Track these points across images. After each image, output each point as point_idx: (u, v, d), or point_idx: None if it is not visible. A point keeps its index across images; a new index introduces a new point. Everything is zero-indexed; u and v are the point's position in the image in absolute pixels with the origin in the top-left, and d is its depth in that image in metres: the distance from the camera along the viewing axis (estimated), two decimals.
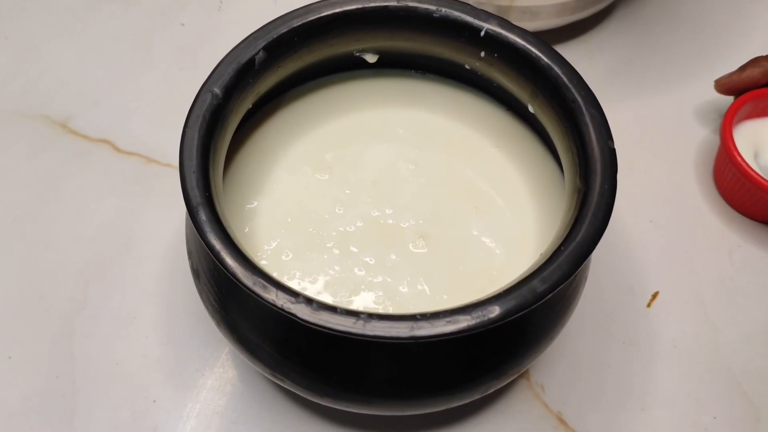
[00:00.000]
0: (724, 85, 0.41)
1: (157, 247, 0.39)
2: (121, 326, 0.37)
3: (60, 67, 0.46)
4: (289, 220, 0.32)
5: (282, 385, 0.29)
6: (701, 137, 0.43)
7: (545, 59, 0.30)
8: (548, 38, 0.47)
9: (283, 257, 0.31)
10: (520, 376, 0.35)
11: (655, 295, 0.38)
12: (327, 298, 0.30)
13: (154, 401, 0.34)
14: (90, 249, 0.39)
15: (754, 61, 0.40)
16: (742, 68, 0.40)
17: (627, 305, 0.38)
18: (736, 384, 0.35)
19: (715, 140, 0.43)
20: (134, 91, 0.45)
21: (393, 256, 0.31)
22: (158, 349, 0.36)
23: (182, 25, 0.49)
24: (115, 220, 0.40)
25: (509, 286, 0.25)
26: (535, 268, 0.25)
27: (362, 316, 0.24)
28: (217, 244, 0.25)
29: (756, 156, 0.40)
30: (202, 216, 0.26)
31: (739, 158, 0.38)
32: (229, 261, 0.25)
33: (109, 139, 0.43)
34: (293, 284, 0.30)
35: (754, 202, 0.39)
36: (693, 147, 0.43)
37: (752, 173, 0.38)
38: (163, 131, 0.43)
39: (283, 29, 0.31)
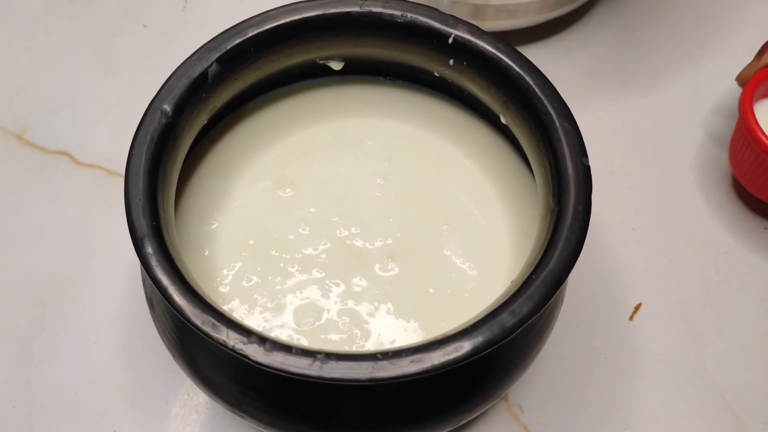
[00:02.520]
0: (746, 78, 0.38)
1: (118, 266, 0.37)
2: (81, 351, 0.35)
3: (15, 73, 0.44)
4: (251, 241, 0.30)
5: (243, 421, 0.27)
6: (687, 138, 0.42)
7: (516, 68, 0.28)
8: (527, 36, 0.45)
9: (244, 283, 0.29)
10: None
11: (637, 307, 0.36)
12: (290, 327, 0.28)
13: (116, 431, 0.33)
14: (48, 268, 0.37)
15: None
16: (759, 54, 0.38)
17: (608, 318, 0.36)
18: (722, 400, 0.34)
19: (702, 141, 0.41)
20: (94, 99, 0.43)
21: (360, 280, 0.29)
22: (119, 376, 0.34)
23: (144, 26, 0.46)
24: (73, 237, 0.38)
25: (476, 320, 0.23)
26: (504, 299, 0.24)
27: (319, 356, 0.22)
28: (164, 279, 0.24)
29: None
30: (148, 248, 0.24)
31: (762, 135, 0.35)
32: (177, 298, 0.23)
33: (67, 150, 0.41)
34: (254, 312, 0.29)
35: None
36: (678, 149, 0.41)
37: None
38: (125, 142, 0.40)
39: (238, 39, 0.29)
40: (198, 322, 0.23)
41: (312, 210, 0.31)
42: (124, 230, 0.38)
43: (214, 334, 0.23)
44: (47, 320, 0.36)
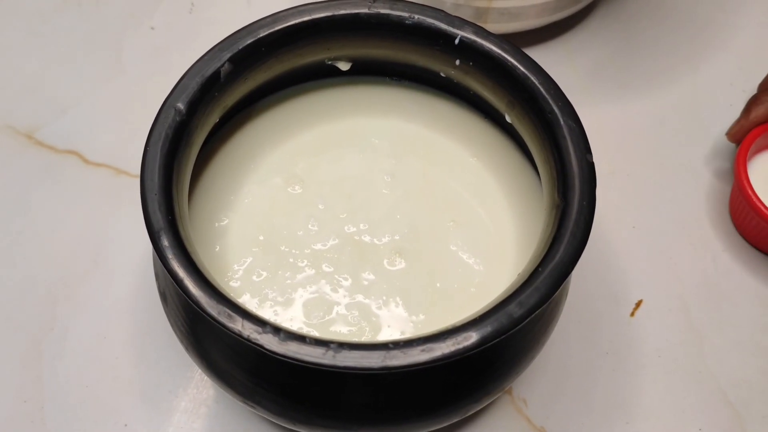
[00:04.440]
0: (736, 135, 0.39)
1: (127, 263, 0.38)
2: (91, 347, 0.35)
3: (25, 73, 0.45)
4: (261, 237, 0.31)
5: (255, 412, 0.28)
6: (685, 138, 0.43)
7: (521, 68, 0.29)
8: (528, 39, 0.46)
9: (255, 278, 0.30)
10: None
11: (638, 304, 0.37)
12: (300, 321, 0.29)
13: (126, 425, 0.33)
14: (58, 266, 0.38)
15: (755, 101, 0.39)
16: (747, 111, 0.39)
17: (610, 315, 0.37)
18: (721, 394, 0.35)
19: (700, 140, 0.42)
20: (103, 99, 0.44)
21: (368, 275, 0.30)
22: (129, 371, 0.35)
23: (152, 28, 0.47)
24: (83, 235, 0.39)
25: (485, 310, 0.24)
26: (512, 291, 0.25)
27: (332, 346, 0.23)
28: (180, 272, 0.24)
29: None
30: (164, 242, 0.25)
31: (755, 199, 0.36)
32: (193, 289, 0.24)
33: (76, 150, 0.42)
34: (265, 306, 0.29)
35: None
36: (677, 148, 0.42)
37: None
38: (134, 141, 0.42)
39: (249, 39, 0.30)
40: (214, 313, 0.24)
41: (320, 207, 0.32)
42: (133, 228, 0.39)
43: (230, 325, 0.23)
44: (58, 316, 0.36)
